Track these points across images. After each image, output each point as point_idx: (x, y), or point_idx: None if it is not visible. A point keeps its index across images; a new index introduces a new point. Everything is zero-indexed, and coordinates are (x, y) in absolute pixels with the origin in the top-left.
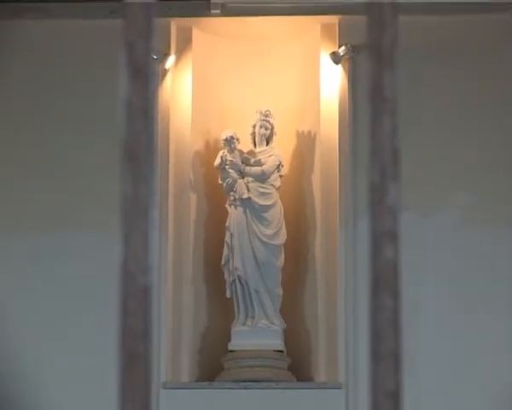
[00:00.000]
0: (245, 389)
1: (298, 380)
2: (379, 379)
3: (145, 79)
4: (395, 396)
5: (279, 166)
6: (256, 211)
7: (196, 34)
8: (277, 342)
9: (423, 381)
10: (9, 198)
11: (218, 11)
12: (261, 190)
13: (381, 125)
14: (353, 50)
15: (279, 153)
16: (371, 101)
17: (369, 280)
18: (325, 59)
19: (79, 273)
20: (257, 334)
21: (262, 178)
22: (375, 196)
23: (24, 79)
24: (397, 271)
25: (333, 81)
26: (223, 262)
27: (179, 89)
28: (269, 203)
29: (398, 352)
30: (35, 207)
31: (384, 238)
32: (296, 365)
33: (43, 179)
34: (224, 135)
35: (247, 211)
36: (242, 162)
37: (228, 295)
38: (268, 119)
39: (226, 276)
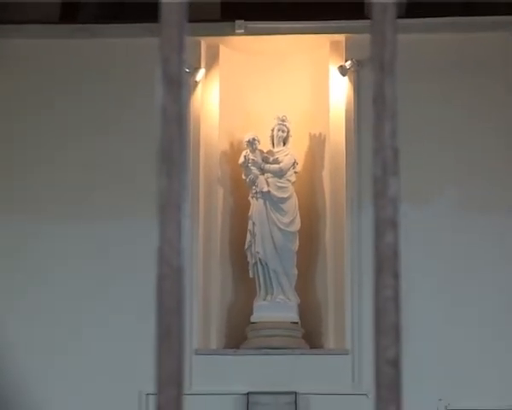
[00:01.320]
0: (265, 355)
1: (310, 347)
2: (381, 349)
3: (178, 88)
4: (396, 364)
5: (294, 164)
6: (274, 202)
7: (223, 50)
8: (293, 315)
9: (419, 350)
10: (70, 193)
11: (242, 31)
12: (279, 184)
13: (382, 128)
14: (358, 64)
15: (294, 152)
16: (374, 106)
17: (372, 262)
18: (334, 71)
19: (123, 258)
20: (275, 308)
21: (279, 174)
22: (377, 188)
23: (78, 90)
24: (397, 254)
25: (340, 91)
26: (246, 247)
27: (208, 98)
28: (285, 196)
29: (398, 325)
30: (90, 199)
31: (386, 225)
32: (309, 334)
33: (98, 177)
34: (247, 137)
35: (267, 202)
36: (262, 161)
37: (250, 275)
38: (285, 123)
39: (249, 258)
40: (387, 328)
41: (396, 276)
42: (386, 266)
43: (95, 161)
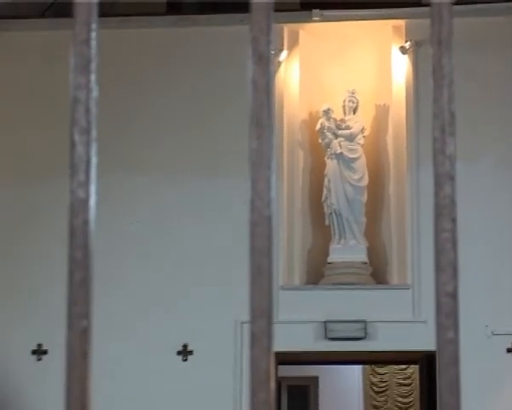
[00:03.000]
0: (339, 289)
1: (377, 283)
2: (441, 283)
3: (266, 64)
4: (454, 296)
5: (362, 130)
6: (346, 162)
7: (302, 35)
8: (362, 256)
9: (470, 283)
10: (169, 154)
11: (318, 18)
12: (350, 147)
13: (441, 95)
14: (416, 44)
15: (362, 120)
16: (433, 76)
17: (433, 209)
18: (395, 51)
19: (220, 209)
20: (348, 250)
21: (350, 138)
22: (436, 147)
23: (181, 71)
24: (454, 202)
25: (401, 67)
26: (323, 199)
27: (290, 75)
28: (355, 156)
29: (455, 262)
30: (191, 160)
31: (444, 178)
32: (376, 272)
33: (197, 141)
34: (323, 107)
35: (340, 162)
36: (336, 127)
37: (326, 223)
38: (354, 95)
39: (325, 209)
40: (446, 265)
41: (453, 220)
42: (445, 212)
43: (195, 128)
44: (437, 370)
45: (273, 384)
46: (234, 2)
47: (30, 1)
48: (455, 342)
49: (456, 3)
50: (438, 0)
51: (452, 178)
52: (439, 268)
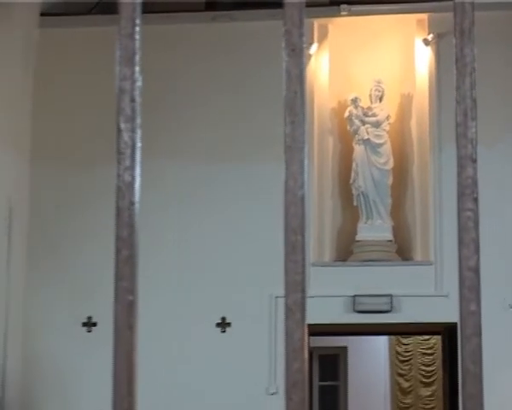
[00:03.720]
0: (367, 266)
1: (402, 260)
2: (464, 258)
3: (298, 55)
4: (476, 270)
5: (388, 117)
6: (373, 147)
7: (331, 29)
8: (388, 235)
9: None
10: (210, 141)
11: (346, 13)
12: (376, 133)
13: (463, 82)
14: (438, 37)
15: (388, 107)
16: (456, 65)
17: (457, 189)
18: (418, 43)
19: (259, 192)
20: (374, 229)
21: (376, 124)
22: (459, 131)
23: (224, 65)
24: (475, 183)
25: (424, 58)
26: (351, 182)
27: (320, 66)
28: (381, 141)
29: (477, 239)
30: (230, 145)
31: (466, 161)
32: (401, 249)
33: (235, 129)
34: (351, 96)
35: (367, 147)
36: (363, 114)
37: (354, 204)
38: (380, 84)
39: (353, 191)
40: (468, 242)
41: (475, 200)
42: (467, 192)
43: (232, 117)
44: (459, 340)
45: (306, 354)
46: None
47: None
48: (477, 313)
49: None
50: None
51: (474, 161)
52: (462, 244)
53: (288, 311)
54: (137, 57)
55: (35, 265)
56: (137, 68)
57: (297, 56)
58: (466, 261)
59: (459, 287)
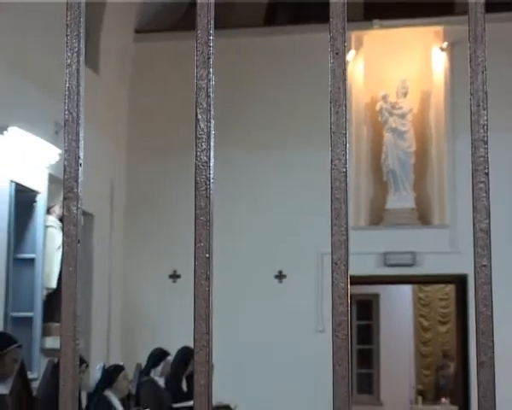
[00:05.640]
0: (394, 229)
1: (422, 224)
2: (477, 222)
3: (341, 57)
4: (487, 231)
5: (411, 109)
6: (399, 134)
7: (365, 39)
8: (411, 204)
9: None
10: (272, 131)
11: (377, 26)
12: (402, 122)
13: (476, 78)
14: (451, 45)
15: (411, 102)
16: (470, 64)
17: (471, 167)
18: (435, 50)
19: (312, 171)
20: (400, 200)
21: (402, 116)
22: (473, 119)
23: (281, 70)
24: (487, 160)
25: (440, 61)
26: (382, 162)
27: (357, 68)
28: (406, 129)
29: (488, 206)
30: (290, 133)
31: (479, 143)
32: (422, 216)
33: (288, 122)
34: (381, 93)
35: (394, 134)
36: (391, 108)
37: (384, 180)
38: (405, 83)
39: (383, 169)
40: (481, 208)
41: (486, 174)
42: (480, 168)
43: (288, 111)
44: (475, 288)
45: (348, 300)
46: (315, 15)
47: (164, 19)
48: (489, 267)
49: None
50: (474, 1)
51: (486, 143)
52: (475, 211)
53: (334, 265)
54: (211, 61)
55: (131, 231)
56: (211, 70)
57: (340, 59)
58: (479, 224)
59: (474, 245)
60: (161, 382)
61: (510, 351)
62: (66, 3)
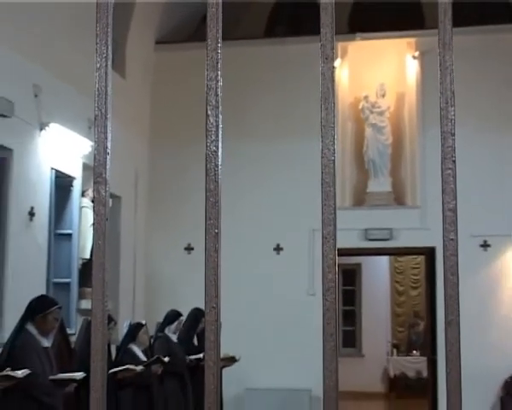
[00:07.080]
0: (374, 209)
1: (398, 204)
2: (446, 202)
3: (330, 62)
4: (454, 210)
5: (389, 108)
6: (378, 129)
7: (350, 49)
8: (388, 188)
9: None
10: (273, 125)
11: (359, 38)
12: (381, 119)
13: (445, 79)
14: (422, 54)
15: (388, 101)
16: (439, 67)
17: (440, 155)
18: (409, 58)
19: (304, 159)
20: (379, 184)
21: (381, 113)
22: (442, 113)
23: (279, 75)
24: (454, 149)
25: (412, 67)
26: (363, 152)
27: (342, 73)
28: (384, 125)
29: (455, 189)
30: (285, 127)
31: (447, 135)
32: (397, 198)
33: (288, 123)
34: (363, 93)
35: (374, 129)
36: (372, 106)
37: (366, 167)
38: (383, 86)
39: (365, 158)
40: (449, 191)
41: (454, 162)
42: (448, 156)
43: (284, 109)
44: (443, 258)
45: (336, 268)
46: (308, 29)
47: (180, 31)
48: (455, 241)
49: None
50: (442, 15)
51: (453, 135)
52: (444, 192)
53: (324, 239)
54: (219, 65)
55: (152, 211)
56: (219, 72)
57: (329, 63)
58: (447, 204)
59: (442, 222)
60: (174, 337)
61: (468, 312)
62: (96, 16)
